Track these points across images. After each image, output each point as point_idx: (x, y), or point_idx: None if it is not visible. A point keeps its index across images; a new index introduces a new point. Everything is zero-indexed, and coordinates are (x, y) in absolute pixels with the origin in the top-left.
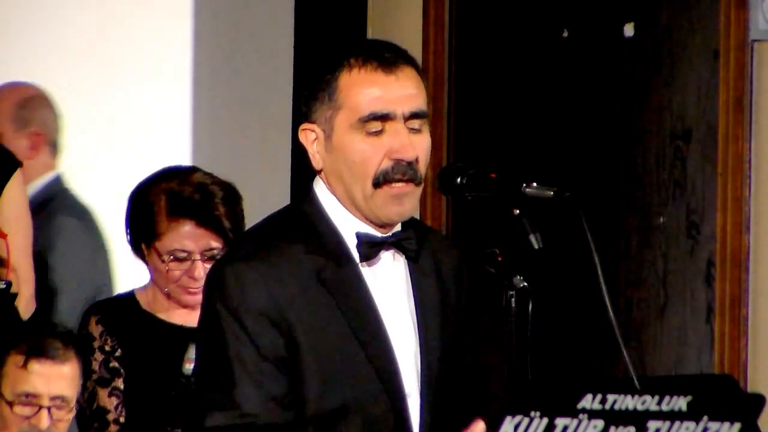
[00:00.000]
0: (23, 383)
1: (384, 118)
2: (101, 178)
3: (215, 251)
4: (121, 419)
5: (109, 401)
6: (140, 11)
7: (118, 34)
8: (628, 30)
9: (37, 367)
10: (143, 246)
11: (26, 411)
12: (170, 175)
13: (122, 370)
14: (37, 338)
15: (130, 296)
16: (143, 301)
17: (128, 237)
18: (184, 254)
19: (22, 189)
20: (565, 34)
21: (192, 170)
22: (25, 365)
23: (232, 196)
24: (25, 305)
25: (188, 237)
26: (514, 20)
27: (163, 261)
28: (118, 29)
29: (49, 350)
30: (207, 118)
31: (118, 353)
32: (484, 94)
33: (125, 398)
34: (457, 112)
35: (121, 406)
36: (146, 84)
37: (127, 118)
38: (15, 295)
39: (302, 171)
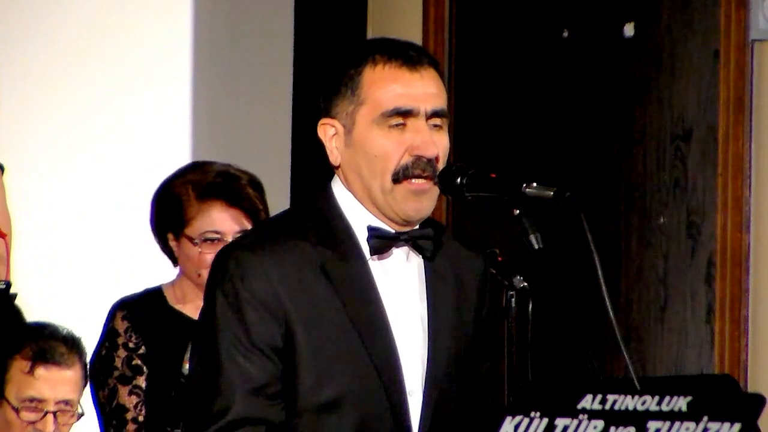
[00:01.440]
0: (29, 389)
1: (407, 114)
2: (101, 178)
3: None
4: (140, 418)
5: (128, 399)
6: (140, 11)
7: (118, 34)
8: (628, 30)
9: (43, 372)
10: (172, 238)
11: (32, 416)
12: (191, 168)
13: (145, 368)
14: (41, 343)
15: (157, 291)
16: (170, 296)
17: (155, 233)
18: (216, 236)
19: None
20: (565, 34)
21: (211, 162)
22: (31, 371)
23: (256, 182)
24: None
25: (219, 218)
26: (514, 20)
27: (195, 244)
28: (118, 29)
29: (55, 355)
30: (207, 118)
31: (141, 350)
32: (484, 94)
33: (148, 396)
34: (457, 112)
35: (140, 405)
36: (146, 84)
37: (126, 118)
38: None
39: (302, 171)
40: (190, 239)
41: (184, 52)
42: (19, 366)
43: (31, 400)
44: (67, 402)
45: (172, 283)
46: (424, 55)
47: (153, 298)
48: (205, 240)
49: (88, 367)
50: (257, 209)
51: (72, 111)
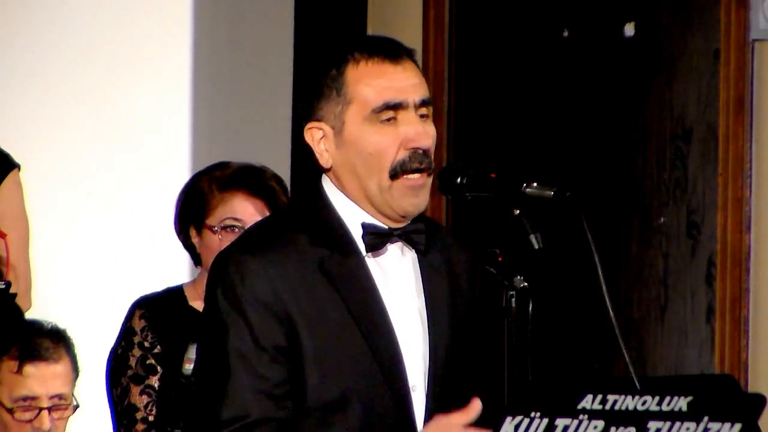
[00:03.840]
0: (20, 388)
1: (397, 107)
2: (100, 178)
3: None
4: (150, 418)
5: (139, 399)
6: (140, 11)
7: (118, 34)
8: (628, 30)
9: (31, 370)
10: (194, 234)
11: (27, 415)
12: (217, 166)
13: (159, 368)
14: (26, 340)
15: (178, 290)
16: (190, 296)
17: (177, 229)
18: (236, 223)
19: (17, 189)
20: (565, 34)
21: (235, 163)
22: (19, 370)
23: (279, 179)
24: (20, 303)
25: (240, 206)
26: (514, 20)
27: (215, 232)
28: (118, 29)
29: (41, 351)
30: (207, 118)
31: (156, 350)
32: (484, 94)
33: (161, 396)
34: (457, 112)
35: (151, 405)
36: (146, 84)
37: (126, 118)
38: (15, 295)
39: (302, 171)
40: (211, 228)
41: (184, 52)
42: (7, 367)
43: (24, 399)
44: (60, 396)
45: (193, 282)
46: (401, 47)
47: (173, 296)
48: (225, 227)
49: (78, 358)
50: (280, 202)
51: (71, 111)
